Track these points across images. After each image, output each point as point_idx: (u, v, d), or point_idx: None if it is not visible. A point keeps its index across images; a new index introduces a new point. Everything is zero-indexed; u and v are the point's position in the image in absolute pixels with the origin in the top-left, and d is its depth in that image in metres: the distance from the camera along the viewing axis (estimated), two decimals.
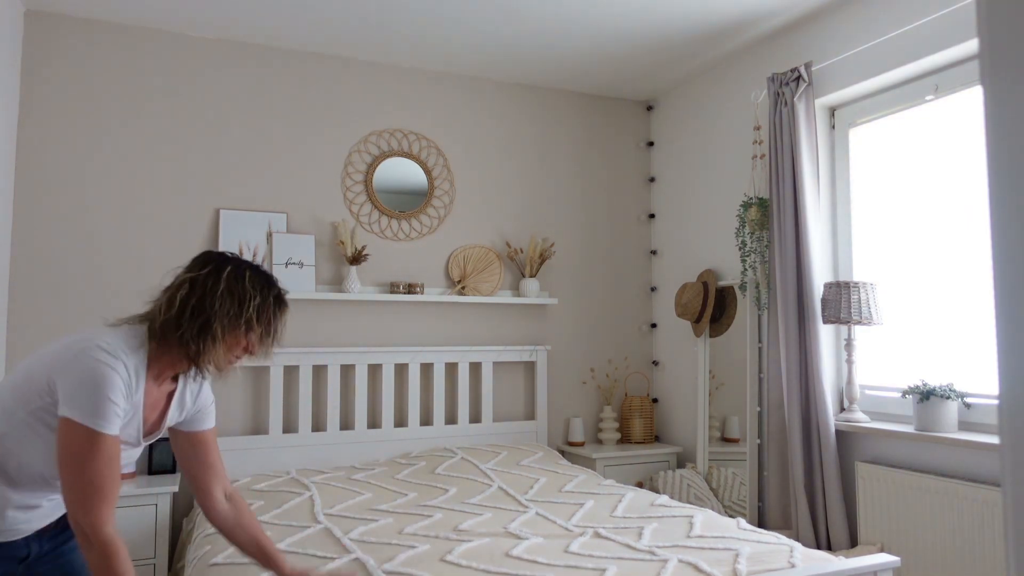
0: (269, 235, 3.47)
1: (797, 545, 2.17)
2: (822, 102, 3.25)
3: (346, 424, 3.59)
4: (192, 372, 1.57)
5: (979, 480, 2.54)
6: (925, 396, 2.67)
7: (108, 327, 1.53)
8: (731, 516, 3.30)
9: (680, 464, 3.97)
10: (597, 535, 2.30)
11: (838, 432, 3.07)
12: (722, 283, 3.71)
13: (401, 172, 3.80)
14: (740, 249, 3.43)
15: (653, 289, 4.36)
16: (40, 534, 1.61)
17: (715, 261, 3.84)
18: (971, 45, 2.67)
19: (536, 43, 3.57)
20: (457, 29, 3.41)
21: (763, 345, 3.43)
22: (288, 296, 1.63)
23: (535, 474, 3.19)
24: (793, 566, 2.02)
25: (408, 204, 3.80)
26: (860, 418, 2.97)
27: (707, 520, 2.45)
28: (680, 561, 2.00)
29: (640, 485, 3.79)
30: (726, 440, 3.61)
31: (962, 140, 2.79)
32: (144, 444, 1.61)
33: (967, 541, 2.51)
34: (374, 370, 3.67)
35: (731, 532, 2.32)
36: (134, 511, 2.91)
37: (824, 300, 3.01)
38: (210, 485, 1.71)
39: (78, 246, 3.22)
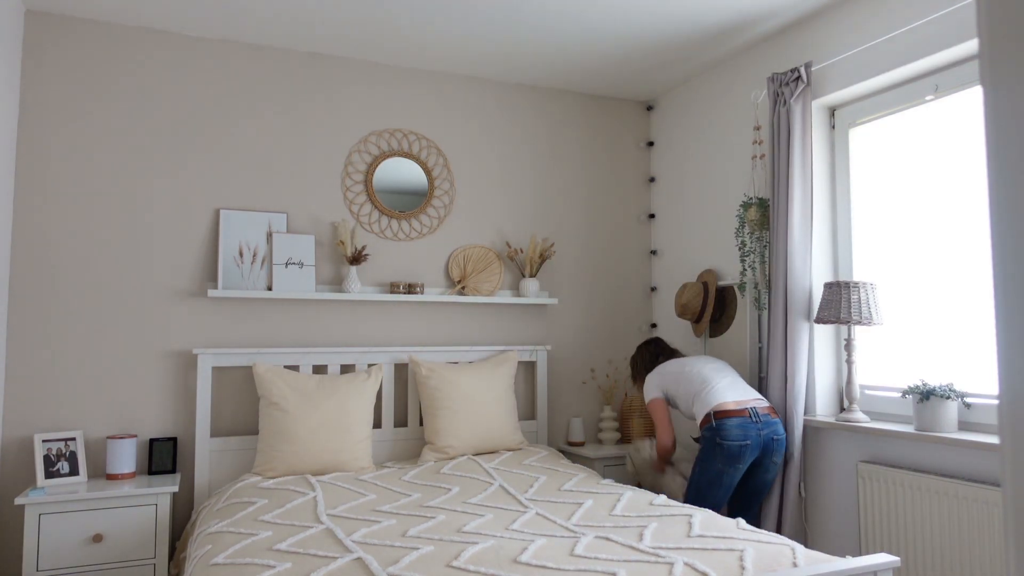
0: (269, 235, 3.47)
1: (798, 546, 2.17)
2: (822, 102, 3.25)
3: None
4: None
5: (979, 480, 2.54)
6: (925, 396, 2.67)
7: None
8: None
9: None
10: (600, 536, 2.30)
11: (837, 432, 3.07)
12: (722, 283, 3.71)
13: (401, 172, 3.80)
14: (740, 249, 3.43)
15: (653, 289, 4.36)
16: None
17: (715, 261, 3.84)
18: (971, 45, 2.67)
19: (536, 43, 3.58)
20: (457, 29, 3.41)
21: (763, 345, 3.43)
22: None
23: (535, 472, 3.19)
24: (796, 567, 2.02)
25: (408, 204, 3.80)
26: (860, 418, 2.97)
27: (706, 520, 2.45)
28: (686, 564, 1.99)
29: (640, 485, 3.78)
30: None
31: (962, 140, 2.79)
32: None
33: (967, 541, 2.51)
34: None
35: (731, 532, 2.32)
36: (134, 511, 2.91)
37: (824, 300, 3.01)
38: None
39: (78, 246, 3.22)
